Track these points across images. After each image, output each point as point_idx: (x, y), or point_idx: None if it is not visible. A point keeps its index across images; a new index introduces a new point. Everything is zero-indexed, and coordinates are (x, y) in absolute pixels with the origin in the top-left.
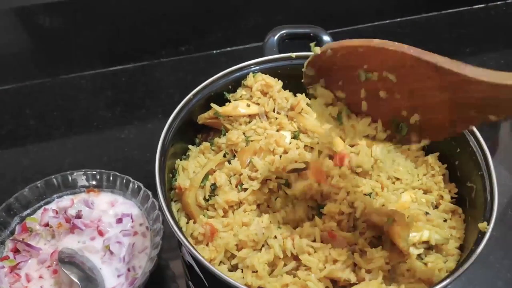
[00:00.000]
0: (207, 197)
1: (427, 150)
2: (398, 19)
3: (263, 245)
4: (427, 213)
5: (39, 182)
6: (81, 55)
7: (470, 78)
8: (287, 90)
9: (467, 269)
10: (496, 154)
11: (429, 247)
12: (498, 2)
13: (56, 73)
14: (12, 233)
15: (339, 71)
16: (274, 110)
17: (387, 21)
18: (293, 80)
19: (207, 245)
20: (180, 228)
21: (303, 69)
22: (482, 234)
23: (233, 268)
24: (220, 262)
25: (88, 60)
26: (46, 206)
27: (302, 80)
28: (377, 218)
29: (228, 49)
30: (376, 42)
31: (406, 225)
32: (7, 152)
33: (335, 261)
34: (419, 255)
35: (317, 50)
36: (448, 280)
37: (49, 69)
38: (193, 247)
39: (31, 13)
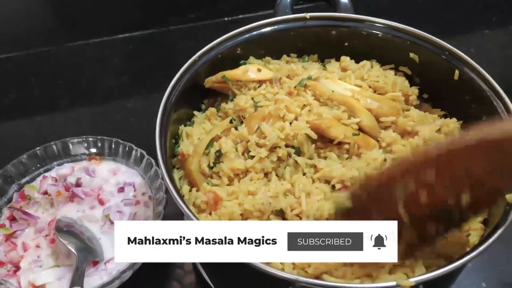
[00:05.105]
0: (211, 165)
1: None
2: None
3: (269, 216)
4: None
5: (38, 148)
6: (86, 22)
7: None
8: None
9: (491, 245)
10: None
11: None
12: None
13: (61, 40)
14: (10, 200)
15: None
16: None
17: None
18: (307, 44)
19: (210, 214)
20: (181, 196)
21: None
22: (510, 206)
23: None
24: None
25: (93, 27)
26: (46, 174)
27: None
28: None
29: (240, 16)
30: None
31: None
32: (10, 122)
33: None
34: None
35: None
36: (469, 257)
37: (54, 36)
38: (194, 215)
39: None
